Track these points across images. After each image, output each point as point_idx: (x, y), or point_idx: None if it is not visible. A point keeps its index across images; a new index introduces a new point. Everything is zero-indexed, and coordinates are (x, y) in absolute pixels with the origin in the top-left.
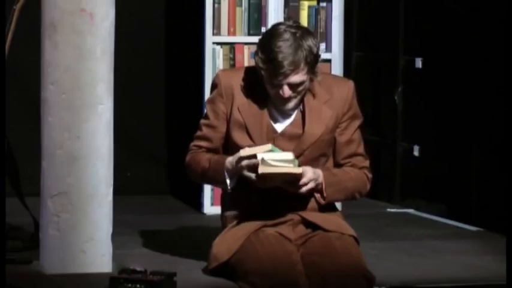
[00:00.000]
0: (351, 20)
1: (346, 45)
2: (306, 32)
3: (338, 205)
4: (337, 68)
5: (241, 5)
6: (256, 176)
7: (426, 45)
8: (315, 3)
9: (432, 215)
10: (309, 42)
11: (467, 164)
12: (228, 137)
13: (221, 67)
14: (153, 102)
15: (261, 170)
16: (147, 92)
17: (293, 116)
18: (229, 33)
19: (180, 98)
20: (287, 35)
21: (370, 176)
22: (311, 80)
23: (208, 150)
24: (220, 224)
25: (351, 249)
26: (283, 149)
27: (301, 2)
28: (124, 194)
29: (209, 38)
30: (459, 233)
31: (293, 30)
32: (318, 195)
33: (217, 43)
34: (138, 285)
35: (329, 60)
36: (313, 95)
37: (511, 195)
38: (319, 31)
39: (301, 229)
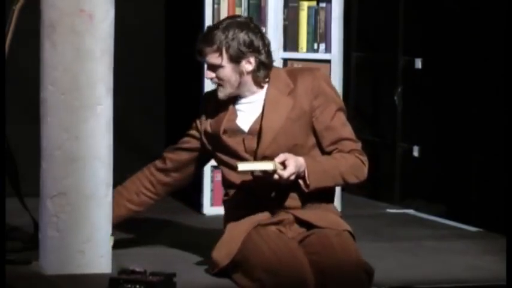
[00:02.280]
0: (351, 20)
1: (346, 45)
2: (245, 27)
3: (338, 206)
4: (336, 69)
5: (240, 6)
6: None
7: (426, 46)
8: (314, 3)
9: (432, 216)
10: (241, 35)
11: (467, 164)
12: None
13: None
14: (152, 103)
15: (241, 167)
16: (147, 92)
17: (258, 113)
18: None
19: (180, 98)
20: (224, 23)
21: (363, 158)
22: (241, 74)
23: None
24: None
25: (348, 244)
26: (251, 147)
27: (300, 3)
28: None
29: None
30: (459, 233)
31: (238, 20)
32: (301, 183)
33: None
34: (137, 286)
35: (328, 61)
36: (277, 88)
37: (511, 195)
38: (318, 32)
39: (296, 228)
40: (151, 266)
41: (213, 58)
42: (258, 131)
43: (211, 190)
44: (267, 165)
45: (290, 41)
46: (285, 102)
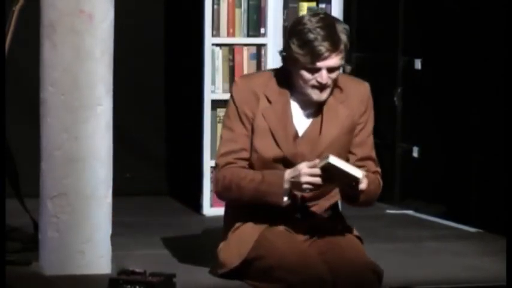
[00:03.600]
0: (350, 21)
1: None
2: (335, 18)
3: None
4: None
5: (240, 6)
6: (322, 168)
7: (425, 46)
8: (314, 4)
9: (431, 216)
10: (342, 25)
11: (467, 164)
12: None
13: (220, 68)
14: (152, 103)
15: (332, 160)
16: (147, 93)
17: (312, 118)
18: (228, 35)
19: (179, 99)
20: (318, 20)
21: (381, 183)
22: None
23: (244, 160)
24: (223, 224)
25: (356, 246)
26: (303, 153)
27: (300, 4)
28: (123, 195)
29: (208, 39)
30: (459, 234)
31: (322, 16)
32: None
33: (217, 44)
34: (137, 287)
35: None
36: (332, 95)
37: (511, 196)
38: None
39: (304, 231)
40: (151, 266)
41: (338, 60)
42: (315, 137)
43: (211, 191)
44: (357, 172)
45: None
46: (342, 112)
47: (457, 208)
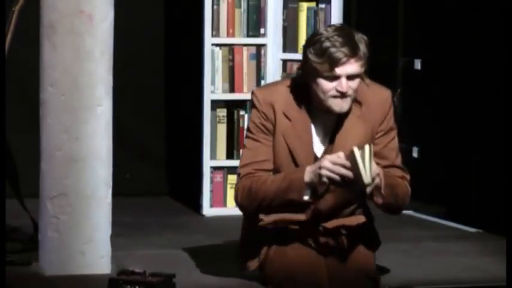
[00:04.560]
0: (350, 21)
1: None
2: (352, 28)
3: None
4: None
5: (240, 7)
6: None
7: (425, 46)
8: (313, 4)
9: (431, 217)
10: (360, 35)
11: (467, 165)
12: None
13: (220, 68)
14: (152, 104)
15: (355, 151)
16: (146, 94)
17: (330, 135)
18: (228, 35)
19: (179, 99)
20: (335, 29)
21: (409, 190)
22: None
23: (266, 171)
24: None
25: (360, 250)
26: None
27: (300, 4)
28: (123, 196)
29: (208, 39)
30: (458, 234)
31: (338, 26)
32: (376, 198)
33: (216, 44)
34: (137, 287)
35: None
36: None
37: (511, 196)
38: None
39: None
40: (150, 266)
41: (357, 67)
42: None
43: (211, 191)
44: (367, 177)
45: (289, 42)
46: (360, 128)
47: (457, 208)
